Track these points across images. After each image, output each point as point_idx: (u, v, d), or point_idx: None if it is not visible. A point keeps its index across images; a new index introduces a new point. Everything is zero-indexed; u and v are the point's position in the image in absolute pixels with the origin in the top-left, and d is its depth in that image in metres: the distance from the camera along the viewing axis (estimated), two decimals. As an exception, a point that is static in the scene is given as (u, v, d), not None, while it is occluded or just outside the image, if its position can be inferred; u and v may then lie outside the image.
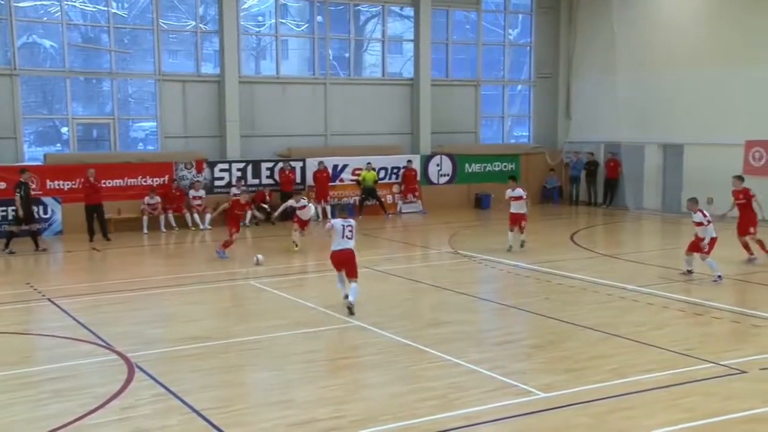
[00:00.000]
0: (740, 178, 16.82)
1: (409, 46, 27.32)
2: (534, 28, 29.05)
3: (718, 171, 23.54)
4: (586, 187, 27.86)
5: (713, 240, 14.37)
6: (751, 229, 16.10)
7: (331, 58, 26.28)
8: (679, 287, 13.89)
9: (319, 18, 25.82)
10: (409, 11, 27.04)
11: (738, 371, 9.16)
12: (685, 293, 13.34)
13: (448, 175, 27.13)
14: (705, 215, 14.39)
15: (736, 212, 16.49)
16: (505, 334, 11.17)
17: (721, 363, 9.43)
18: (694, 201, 14.81)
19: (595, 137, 27.77)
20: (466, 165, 27.38)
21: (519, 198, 17.84)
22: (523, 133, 30.08)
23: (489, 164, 27.77)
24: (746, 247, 16.21)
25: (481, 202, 27.07)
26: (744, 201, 16.26)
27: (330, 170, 24.56)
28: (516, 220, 17.75)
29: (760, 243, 16.11)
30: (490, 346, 10.54)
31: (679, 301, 12.75)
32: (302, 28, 26.47)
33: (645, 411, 7.99)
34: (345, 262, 12.28)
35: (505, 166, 27.86)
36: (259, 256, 16.55)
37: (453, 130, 27.80)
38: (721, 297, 12.99)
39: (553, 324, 11.55)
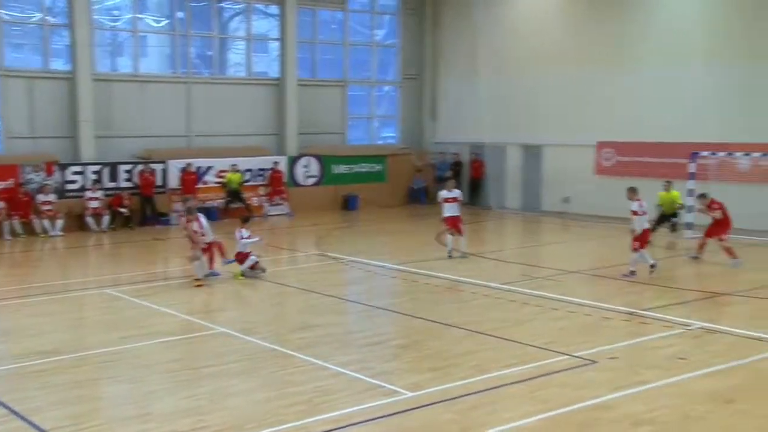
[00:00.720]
0: (704, 196, 16.56)
1: (274, 45, 27.11)
2: (400, 29, 29.54)
3: (574, 171, 24.96)
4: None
5: (645, 232, 14.95)
6: (722, 236, 16.01)
7: (193, 56, 25.68)
8: (538, 284, 14.45)
9: (180, 14, 25.17)
10: (274, 9, 26.82)
11: (590, 361, 9.68)
12: (543, 289, 13.88)
13: (315, 176, 27.10)
14: (642, 205, 14.88)
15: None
16: (373, 336, 11.29)
17: (574, 355, 9.94)
18: (633, 190, 15.14)
19: (461, 138, 28.57)
20: (334, 166, 27.45)
21: (454, 200, 17.24)
22: (391, 134, 30.50)
23: (356, 165, 27.97)
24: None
25: (348, 204, 27.20)
26: (719, 209, 16.07)
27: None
28: (453, 223, 17.13)
29: (728, 249, 15.94)
30: (357, 348, 10.62)
31: (538, 297, 13.28)
32: (162, 24, 25.71)
33: (506, 405, 8.31)
34: None
35: (372, 167, 28.19)
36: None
37: (320, 130, 27.81)
38: (575, 292, 13.65)
39: (419, 323, 11.79)
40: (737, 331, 11.07)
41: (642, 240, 14.90)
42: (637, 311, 12.22)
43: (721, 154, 20.10)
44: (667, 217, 19.18)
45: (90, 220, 21.77)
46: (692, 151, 20.28)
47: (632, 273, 14.73)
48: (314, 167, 27.01)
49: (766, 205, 19.74)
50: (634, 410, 8.05)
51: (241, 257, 15.03)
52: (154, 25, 25.78)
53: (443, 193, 17.36)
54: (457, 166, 28.29)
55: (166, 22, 25.55)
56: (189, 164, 23.69)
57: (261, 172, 25.56)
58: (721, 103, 21.20)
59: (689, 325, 11.35)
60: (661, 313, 12.06)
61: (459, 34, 28.47)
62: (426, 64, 29.78)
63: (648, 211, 15.25)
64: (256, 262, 15.05)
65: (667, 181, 19.30)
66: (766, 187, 19.87)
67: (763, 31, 20.30)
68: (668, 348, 10.30)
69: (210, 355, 10.53)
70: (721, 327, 11.29)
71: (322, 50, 28.33)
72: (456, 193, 17.35)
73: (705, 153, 20.20)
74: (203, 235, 14.58)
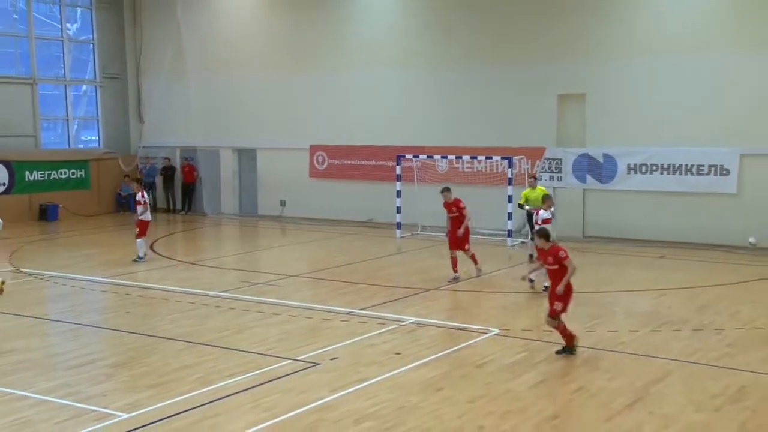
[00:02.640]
0: (448, 189, 15.49)
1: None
2: (95, 25, 28.06)
3: (289, 174, 25.55)
4: (163, 193, 27.85)
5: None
6: (465, 246, 15.37)
7: None
8: (258, 290, 14.63)
9: None
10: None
11: (312, 363, 10.01)
12: (264, 295, 14.09)
13: (4, 184, 24.88)
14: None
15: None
16: (81, 356, 10.63)
17: (297, 359, 10.21)
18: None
19: (171, 141, 27.90)
20: (27, 173, 25.42)
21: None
22: (93, 137, 28.92)
23: (55, 171, 26.18)
24: (455, 262, 15.37)
25: (47, 214, 25.39)
26: (456, 213, 15.26)
27: None
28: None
29: (473, 257, 15.55)
30: (62, 371, 9.94)
31: (259, 303, 13.44)
32: None
33: (230, 416, 8.29)
34: None
35: (73, 173, 26.60)
36: None
37: (7, 133, 25.49)
38: (295, 296, 14.03)
39: (134, 339, 11.35)
40: (442, 323, 12.09)
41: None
42: (355, 311, 12.82)
43: (423, 156, 21.78)
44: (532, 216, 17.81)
45: None
46: (397, 154, 21.73)
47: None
48: (3, 174, 24.78)
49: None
50: (356, 407, 8.47)
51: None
52: None
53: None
54: (168, 171, 27.62)
55: None
56: None
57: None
58: (421, 108, 22.95)
59: (403, 321, 12.15)
60: (377, 311, 12.79)
61: (163, 32, 27.60)
62: (128, 62, 28.67)
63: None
64: None
65: (533, 177, 18.12)
66: (465, 188, 21.82)
67: (455, 39, 22.26)
68: (385, 344, 10.95)
69: None
70: (430, 320, 12.23)
71: (3, 42, 26.02)
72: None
73: (409, 155, 21.74)
74: None
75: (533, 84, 21.08)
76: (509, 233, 19.94)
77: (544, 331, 11.26)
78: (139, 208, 17.62)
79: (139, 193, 17.79)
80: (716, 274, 16.05)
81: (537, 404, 8.59)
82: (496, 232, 20.30)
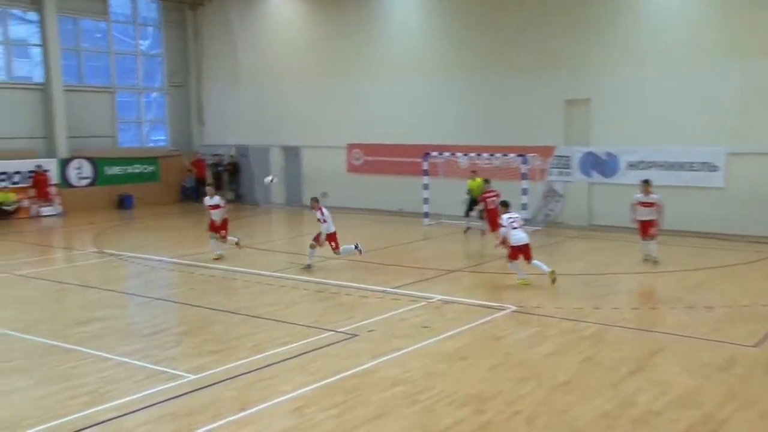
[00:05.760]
0: (488, 181, 17.03)
1: (37, 51, 24.71)
2: (163, 40, 28.29)
3: (329, 169, 25.60)
4: (228, 185, 27.85)
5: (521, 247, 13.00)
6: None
7: (-51, 58, 22.68)
8: (303, 270, 14.64)
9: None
10: (33, 16, 24.44)
11: (352, 335, 10.01)
12: (308, 274, 14.13)
13: (89, 177, 25.26)
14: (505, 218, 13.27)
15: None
16: (154, 325, 10.77)
17: (339, 330, 10.23)
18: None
19: (227, 141, 28.08)
20: (107, 168, 25.78)
21: (217, 207, 15.77)
22: (161, 138, 29.18)
23: (129, 166, 26.54)
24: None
25: (123, 203, 25.75)
26: (495, 198, 16.13)
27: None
28: (215, 228, 15.63)
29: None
30: (139, 337, 10.08)
31: (305, 282, 13.48)
32: None
33: (281, 379, 8.34)
34: None
35: (145, 168, 26.98)
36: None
37: (91, 134, 25.90)
38: (336, 276, 14.01)
39: (198, 311, 11.45)
40: (466, 300, 12.02)
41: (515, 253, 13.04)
42: (389, 289, 12.79)
43: (447, 154, 21.66)
44: (475, 201, 18.74)
45: None
46: (424, 152, 21.63)
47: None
48: (87, 169, 25.17)
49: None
50: (391, 373, 8.46)
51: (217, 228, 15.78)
52: None
53: (206, 200, 16.10)
54: (232, 167, 27.75)
55: None
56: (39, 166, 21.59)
57: (31, 175, 23.37)
58: (444, 111, 22.82)
59: (431, 299, 12.11)
60: (408, 289, 12.76)
61: (220, 45, 27.97)
62: (190, 72, 28.86)
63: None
64: None
65: (473, 171, 19.46)
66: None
67: (475, 48, 22.07)
68: (415, 318, 10.93)
69: (-15, 357, 9.43)
70: (455, 298, 12.18)
71: (88, 58, 26.37)
72: (216, 200, 16.01)
73: (434, 153, 21.64)
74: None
75: (544, 90, 20.85)
76: (525, 221, 19.69)
77: (555, 308, 11.16)
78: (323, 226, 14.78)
79: (318, 211, 14.82)
80: (707, 258, 15.79)
81: (550, 372, 8.52)
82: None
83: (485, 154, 20.99)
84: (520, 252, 12.93)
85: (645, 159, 19.64)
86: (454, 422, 7.06)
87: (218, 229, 15.86)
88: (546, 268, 12.80)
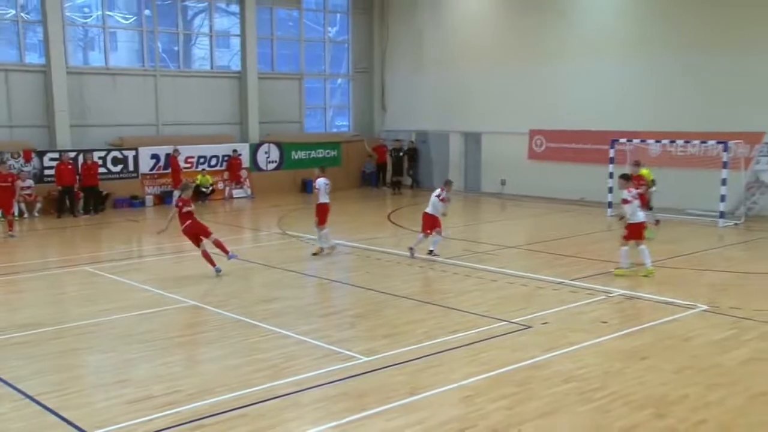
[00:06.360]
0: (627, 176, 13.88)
1: (236, 41, 26.73)
2: (351, 27, 29.39)
3: (509, 156, 25.31)
4: (406, 171, 28.40)
5: (638, 225, 12.71)
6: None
7: (160, 50, 25.17)
8: (479, 258, 14.66)
9: (146, 11, 24.63)
10: (234, 8, 26.43)
11: (525, 326, 9.88)
12: (484, 263, 14.11)
13: (276, 161, 26.97)
14: (630, 191, 12.75)
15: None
16: (330, 306, 11.32)
17: (511, 321, 10.13)
18: (625, 177, 13.20)
19: (408, 126, 28.68)
20: (293, 152, 27.33)
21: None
22: (344, 123, 30.41)
23: (313, 151, 27.91)
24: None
25: (306, 187, 27.05)
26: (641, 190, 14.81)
27: (162, 158, 23.69)
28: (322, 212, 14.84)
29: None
30: (317, 318, 10.64)
31: (479, 270, 13.48)
32: (130, 20, 25.12)
33: (451, 366, 8.43)
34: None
35: (328, 153, 28.18)
36: None
37: (279, 120, 27.64)
38: (511, 265, 13.88)
39: (372, 295, 11.85)
40: (650, 296, 11.41)
41: (632, 233, 12.75)
42: (566, 281, 12.47)
43: (636, 141, 20.56)
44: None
45: (21, 206, 20.18)
46: (612, 138, 20.69)
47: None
48: (274, 153, 26.87)
49: (677, 186, 20.25)
50: (563, 368, 8.26)
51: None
52: (123, 21, 25.17)
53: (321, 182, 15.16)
54: (412, 152, 28.33)
55: (134, 18, 24.97)
56: (176, 150, 23.37)
57: (225, 159, 25.41)
58: (636, 95, 21.67)
59: (611, 293, 11.64)
60: (587, 282, 12.36)
61: (405, 32, 28.50)
62: (375, 59, 29.73)
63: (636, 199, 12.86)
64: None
65: (636, 163, 17.13)
66: (677, 171, 20.37)
67: (675, 26, 20.72)
68: (592, 313, 10.56)
69: (182, 326, 10.47)
70: (637, 294, 11.61)
71: (279, 46, 28.04)
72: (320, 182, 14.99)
73: (622, 140, 20.63)
74: None
75: (758, 69, 19.08)
76: (721, 214, 18.33)
77: (754, 310, 10.27)
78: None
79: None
80: None
81: (746, 380, 7.87)
82: (708, 212, 18.79)
83: (680, 141, 19.66)
84: (637, 233, 12.44)
85: None
86: (630, 425, 6.76)
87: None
88: (649, 262, 12.36)
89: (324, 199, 14.96)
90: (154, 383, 7.93)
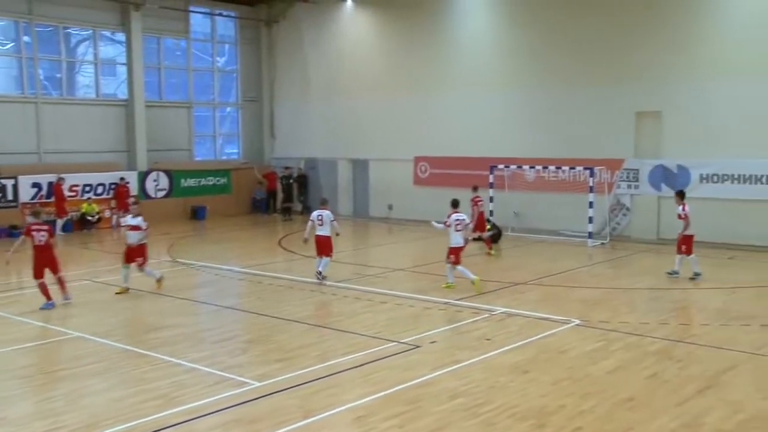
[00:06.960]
0: (476, 188, 18.77)
1: (122, 69, 25.80)
2: (239, 57, 29.09)
3: (395, 182, 25.71)
4: (297, 197, 28.20)
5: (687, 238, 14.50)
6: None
7: (41, 77, 23.90)
8: (368, 281, 14.72)
9: (26, 38, 23.35)
10: (120, 36, 25.55)
11: (414, 346, 9.98)
12: (373, 286, 14.16)
13: (165, 189, 26.11)
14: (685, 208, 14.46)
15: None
16: (223, 333, 11.00)
17: (401, 341, 10.20)
18: (680, 194, 14.82)
19: (297, 153, 28.58)
20: (182, 180, 26.57)
21: (137, 227, 13.68)
22: (234, 150, 29.93)
23: (203, 179, 27.27)
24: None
25: (197, 214, 26.48)
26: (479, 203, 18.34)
27: (45, 187, 22.43)
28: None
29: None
30: (208, 344, 10.31)
31: (369, 293, 13.53)
32: (8, 47, 23.73)
33: (344, 388, 8.38)
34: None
35: (218, 180, 27.66)
36: None
37: (168, 147, 26.83)
38: (400, 287, 14.01)
39: (265, 320, 11.63)
40: (529, 313, 11.82)
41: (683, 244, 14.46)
42: (451, 301, 12.72)
43: (513, 167, 21.40)
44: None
45: None
46: (491, 165, 21.45)
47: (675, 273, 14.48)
48: (164, 181, 26.03)
49: (551, 209, 21.28)
50: (451, 385, 8.39)
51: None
52: (0, 48, 23.76)
53: (128, 219, 14.24)
54: (301, 179, 28.19)
55: (12, 45, 23.63)
56: (60, 178, 22.29)
57: (113, 187, 24.36)
58: (512, 124, 22.59)
59: (493, 311, 11.97)
60: (471, 302, 12.65)
61: (292, 62, 28.57)
62: (264, 88, 29.55)
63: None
64: None
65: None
66: (550, 195, 21.34)
67: (542, 63, 21.82)
68: (477, 331, 10.82)
69: (65, 359, 9.84)
70: (517, 311, 12.00)
71: (168, 74, 27.35)
72: (138, 221, 13.85)
73: (500, 166, 21.43)
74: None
75: (614, 102, 20.45)
76: (590, 235, 19.38)
77: (620, 322, 10.86)
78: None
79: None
80: (784, 275, 15.05)
81: (614, 388, 8.27)
82: (578, 233, 19.81)
83: (552, 167, 20.66)
84: (453, 254, 13.62)
85: (718, 172, 18.94)
86: (514, 437, 6.93)
87: (133, 256, 13.69)
88: (471, 276, 13.32)
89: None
90: (33, 420, 7.40)
